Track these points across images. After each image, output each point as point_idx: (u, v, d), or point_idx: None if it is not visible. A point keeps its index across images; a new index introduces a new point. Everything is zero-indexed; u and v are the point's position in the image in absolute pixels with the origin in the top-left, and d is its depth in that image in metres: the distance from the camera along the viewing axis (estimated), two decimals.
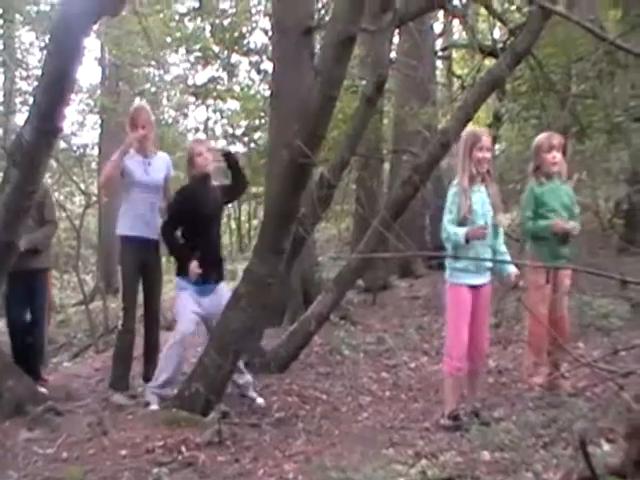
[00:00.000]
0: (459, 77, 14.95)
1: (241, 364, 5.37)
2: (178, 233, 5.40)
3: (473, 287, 4.67)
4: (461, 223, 4.63)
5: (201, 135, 22.87)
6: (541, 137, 5.29)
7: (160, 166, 5.79)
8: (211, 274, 5.32)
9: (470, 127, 5.16)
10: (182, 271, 5.31)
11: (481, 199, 4.71)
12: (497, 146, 13.06)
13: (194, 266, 5.17)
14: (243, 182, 5.68)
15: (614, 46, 1.98)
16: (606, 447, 3.41)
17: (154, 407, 5.10)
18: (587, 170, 9.48)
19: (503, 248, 4.87)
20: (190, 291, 5.29)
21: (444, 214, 4.74)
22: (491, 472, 3.48)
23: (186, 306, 5.28)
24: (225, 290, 5.42)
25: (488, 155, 4.70)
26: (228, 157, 5.48)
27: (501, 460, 3.66)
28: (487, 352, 5.09)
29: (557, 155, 5.15)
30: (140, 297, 5.87)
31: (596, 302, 6.84)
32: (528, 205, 5.17)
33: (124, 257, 5.68)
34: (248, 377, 5.43)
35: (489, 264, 4.73)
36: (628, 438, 2.64)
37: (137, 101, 5.79)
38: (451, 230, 4.62)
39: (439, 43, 16.03)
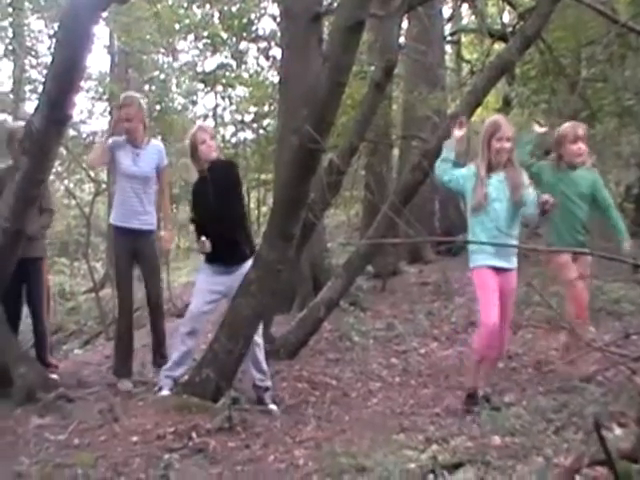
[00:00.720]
0: (468, 62, 14.91)
1: (264, 364, 5.34)
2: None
3: (497, 270, 4.59)
4: (475, 209, 4.61)
5: (210, 122, 22.87)
6: (566, 127, 5.23)
7: (151, 157, 5.75)
8: (225, 257, 5.27)
9: (493, 116, 5.07)
10: (205, 259, 5.38)
11: (497, 185, 4.64)
12: None
13: (203, 241, 5.17)
14: None
15: (626, 28, 1.95)
16: (618, 431, 3.41)
17: (165, 392, 5.11)
18: (597, 154, 9.41)
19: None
20: (208, 271, 5.31)
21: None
22: (502, 457, 3.48)
23: (201, 286, 5.32)
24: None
25: (507, 145, 4.61)
26: None
27: (512, 445, 3.66)
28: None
29: (582, 146, 5.12)
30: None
31: (607, 287, 6.82)
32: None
33: (116, 247, 5.83)
34: (269, 383, 5.34)
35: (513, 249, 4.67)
36: (639, 422, 2.64)
37: (127, 93, 5.67)
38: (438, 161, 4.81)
39: (448, 28, 15.93)
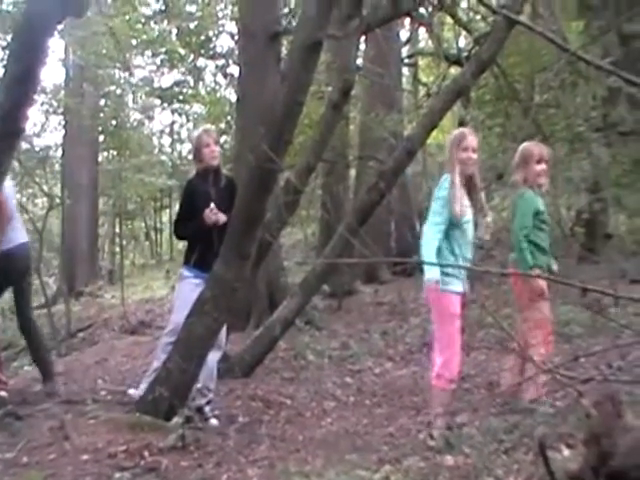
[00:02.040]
0: (425, 84, 15.14)
1: (211, 385, 5.29)
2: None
3: (459, 294, 4.49)
4: (457, 221, 4.44)
5: (167, 138, 22.76)
6: (531, 145, 5.17)
7: None
8: (212, 263, 5.13)
9: (458, 129, 5.05)
10: (189, 259, 5.33)
11: (466, 203, 4.53)
12: None
13: (208, 210, 5.11)
14: None
15: (575, 57, 2.01)
16: (566, 452, 3.45)
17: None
18: (549, 179, 9.60)
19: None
20: (191, 280, 5.25)
21: (430, 217, 4.52)
22: (454, 477, 3.50)
23: (184, 297, 5.23)
24: None
25: (473, 156, 4.53)
26: None
27: (464, 465, 3.68)
28: None
29: (545, 167, 5.06)
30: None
31: (557, 309, 6.93)
32: (529, 213, 4.94)
33: None
34: (211, 396, 5.30)
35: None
36: (587, 444, 2.68)
37: None
38: (433, 258, 4.42)
39: (405, 50, 16.16)
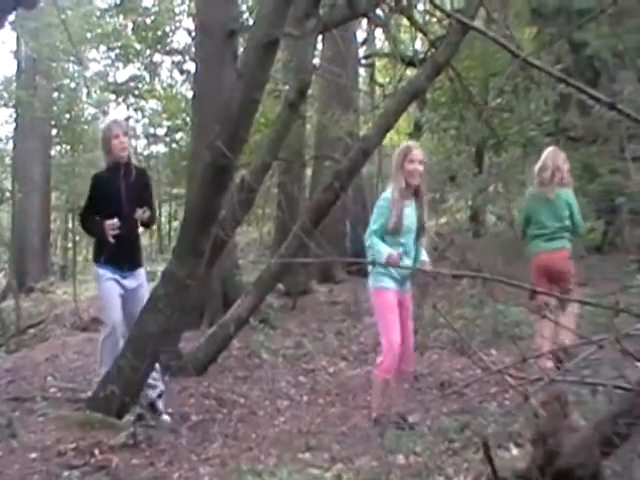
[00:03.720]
0: (381, 85, 15.23)
1: (157, 375, 5.23)
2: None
3: (400, 292, 4.74)
4: (390, 233, 4.68)
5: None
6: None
7: None
8: (124, 261, 5.18)
9: (405, 141, 5.24)
10: (98, 257, 5.19)
11: (411, 212, 4.76)
12: None
13: (109, 224, 5.01)
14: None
15: (526, 63, 2.05)
16: (514, 451, 3.52)
17: None
18: (503, 182, 9.76)
19: (425, 257, 4.91)
20: (108, 275, 5.14)
21: (370, 221, 4.80)
22: (405, 476, 3.54)
23: (110, 293, 5.14)
24: (143, 273, 5.36)
25: (419, 167, 4.73)
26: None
27: (415, 464, 3.72)
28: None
29: None
30: None
31: (508, 311, 7.04)
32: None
33: None
34: (162, 386, 5.28)
35: (409, 273, 4.80)
36: (534, 443, 2.73)
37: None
38: (375, 243, 4.68)
39: (362, 51, 16.24)
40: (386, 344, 4.66)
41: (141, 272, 5.34)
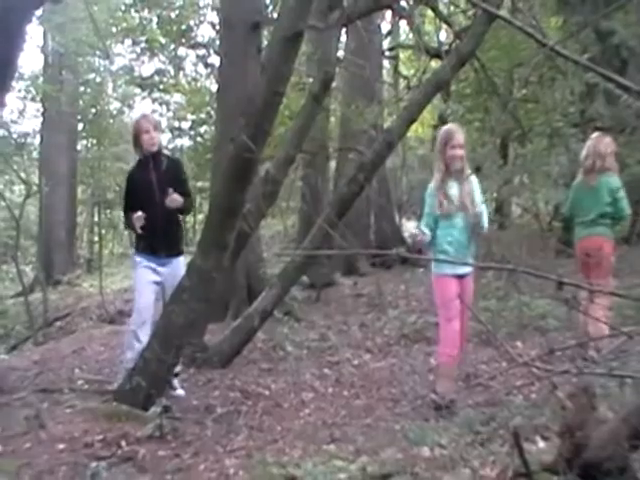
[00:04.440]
0: (405, 77, 15.15)
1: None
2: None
3: (457, 276, 4.76)
4: (443, 217, 4.74)
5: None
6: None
7: None
8: (161, 249, 5.35)
9: (446, 125, 5.26)
10: (137, 245, 5.45)
11: (456, 195, 4.79)
12: None
13: (136, 217, 5.17)
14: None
15: (553, 52, 2.03)
16: (541, 444, 3.50)
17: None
18: (528, 173, 9.68)
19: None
20: (144, 263, 5.33)
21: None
22: (430, 468, 3.52)
23: (142, 279, 5.33)
24: (182, 263, 5.43)
25: (460, 152, 4.77)
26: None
27: (440, 457, 3.71)
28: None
29: None
30: None
31: (534, 303, 7.00)
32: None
33: None
34: (179, 368, 5.43)
35: (468, 256, 4.83)
36: (561, 435, 2.71)
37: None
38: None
39: (386, 43, 16.16)
40: (444, 331, 4.77)
41: (179, 260, 5.47)
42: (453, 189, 4.79)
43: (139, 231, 5.23)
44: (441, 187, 4.76)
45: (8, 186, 19.38)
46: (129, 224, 5.40)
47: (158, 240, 5.31)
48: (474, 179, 4.94)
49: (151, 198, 5.27)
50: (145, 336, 5.15)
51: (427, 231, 4.71)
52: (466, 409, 4.65)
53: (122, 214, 5.61)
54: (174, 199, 5.23)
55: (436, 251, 4.85)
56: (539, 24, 8.00)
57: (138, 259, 5.38)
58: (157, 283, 5.36)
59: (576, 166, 6.31)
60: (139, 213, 5.17)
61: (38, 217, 16.23)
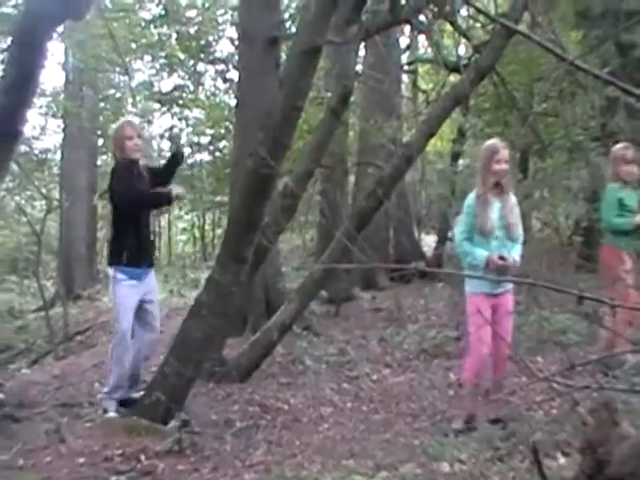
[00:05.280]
0: (424, 91, 15.15)
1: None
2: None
3: (491, 295, 4.66)
4: (480, 234, 4.65)
5: (166, 143, 22.74)
6: (619, 148, 5.78)
7: None
8: (144, 258, 5.22)
9: (490, 140, 5.19)
10: (119, 258, 5.12)
11: (497, 211, 4.71)
12: (461, 161, 13.25)
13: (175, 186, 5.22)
14: (177, 162, 5.61)
15: (573, 66, 2.02)
16: (562, 460, 3.47)
17: (111, 414, 5.01)
18: (548, 187, 9.63)
19: (516, 257, 4.74)
20: (126, 280, 5.10)
21: (458, 226, 4.80)
22: None
23: (126, 301, 5.10)
24: (154, 275, 5.38)
25: (506, 167, 4.72)
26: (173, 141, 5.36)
27: (459, 472, 3.68)
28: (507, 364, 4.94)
29: (634, 168, 5.68)
30: None
31: (554, 317, 6.94)
32: (613, 204, 5.69)
33: None
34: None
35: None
36: (582, 452, 2.68)
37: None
38: (468, 248, 4.66)
39: (405, 57, 16.18)
40: (473, 353, 4.68)
41: (152, 272, 5.38)
42: (495, 205, 4.71)
43: (177, 192, 5.16)
44: (483, 202, 4.68)
45: (29, 201, 19.59)
46: (120, 244, 5.15)
47: (141, 250, 5.17)
48: (513, 197, 4.86)
49: (142, 197, 5.21)
50: (127, 362, 5.11)
51: (506, 254, 4.61)
52: (485, 424, 4.61)
53: (118, 220, 5.23)
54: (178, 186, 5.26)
55: (468, 268, 4.75)
56: (558, 38, 7.98)
57: (120, 275, 5.10)
58: (138, 302, 5.17)
59: (598, 180, 6.30)
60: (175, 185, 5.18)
61: (59, 232, 16.41)
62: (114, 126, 5.45)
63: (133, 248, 5.12)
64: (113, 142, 5.33)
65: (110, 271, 5.20)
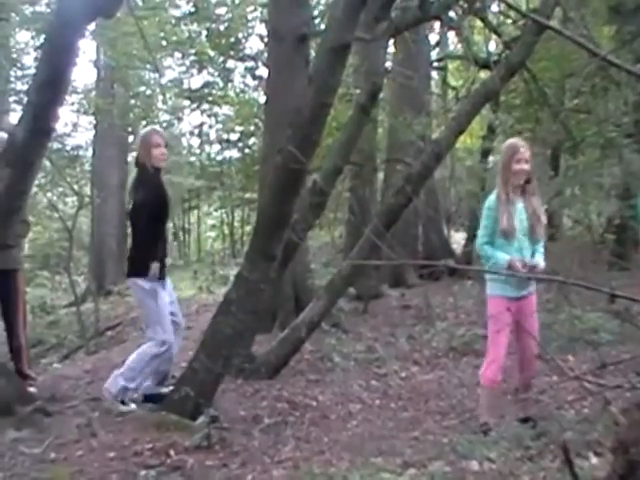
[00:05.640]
0: (454, 88, 15.07)
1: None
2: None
3: (513, 299, 4.53)
4: (502, 236, 4.52)
5: (195, 139, 22.90)
6: None
7: None
8: (164, 272, 5.22)
9: (510, 139, 5.07)
10: (143, 271, 5.07)
11: (521, 213, 4.58)
12: (491, 158, 13.16)
13: (156, 267, 5.03)
14: None
15: (606, 62, 1.99)
16: (594, 460, 3.43)
17: (133, 406, 5.09)
18: (580, 184, 9.53)
19: (540, 261, 4.59)
20: (160, 289, 5.13)
21: (479, 229, 4.67)
22: None
23: (165, 311, 5.13)
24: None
25: (526, 167, 4.57)
26: None
27: (489, 471, 3.66)
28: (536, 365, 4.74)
29: None
30: None
31: (585, 316, 6.87)
32: None
33: None
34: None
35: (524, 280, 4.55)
36: (614, 452, 2.64)
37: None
38: (489, 252, 4.55)
39: (434, 54, 16.10)
40: (490, 355, 4.58)
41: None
42: (517, 206, 4.57)
43: (152, 273, 5.04)
44: (505, 203, 4.53)
45: (61, 198, 19.85)
46: (151, 254, 5.08)
47: (163, 263, 5.19)
48: (538, 199, 4.70)
49: (166, 218, 5.24)
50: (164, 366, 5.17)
51: (529, 259, 4.50)
52: (515, 423, 4.57)
53: (149, 228, 5.14)
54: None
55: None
56: (590, 34, 7.88)
57: (149, 285, 5.08)
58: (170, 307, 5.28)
59: (630, 177, 6.22)
60: (157, 264, 5.03)
61: (90, 228, 16.56)
62: (141, 132, 5.41)
63: (162, 259, 5.15)
64: (141, 148, 5.25)
65: (140, 282, 5.12)
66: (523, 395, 4.75)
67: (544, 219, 4.71)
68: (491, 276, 4.64)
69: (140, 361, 5.14)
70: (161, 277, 5.14)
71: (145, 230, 5.13)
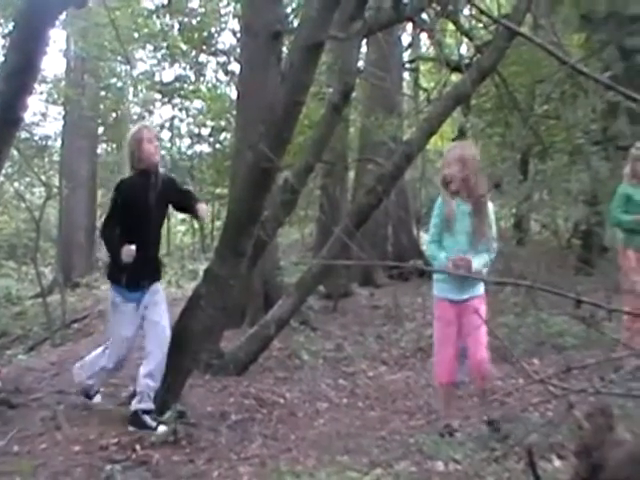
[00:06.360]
0: (425, 90, 15.16)
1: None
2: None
3: (455, 302, 4.50)
4: (446, 230, 4.50)
5: (166, 133, 22.74)
6: (638, 147, 6.05)
7: None
8: (145, 275, 4.82)
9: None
10: (118, 277, 4.79)
11: (464, 215, 4.50)
12: None
13: (127, 250, 4.54)
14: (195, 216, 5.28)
15: (574, 70, 2.02)
16: (557, 463, 3.48)
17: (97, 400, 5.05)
18: (548, 189, 9.66)
19: (476, 262, 4.42)
20: (123, 301, 4.80)
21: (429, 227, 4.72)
22: None
23: (120, 329, 4.85)
24: (161, 290, 4.96)
25: (450, 171, 4.50)
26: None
27: (454, 472, 3.70)
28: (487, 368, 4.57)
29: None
30: None
31: (551, 320, 6.96)
32: (619, 200, 5.96)
33: None
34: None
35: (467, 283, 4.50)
36: (577, 455, 2.69)
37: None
38: (432, 251, 4.57)
39: (407, 55, 16.18)
40: (437, 355, 4.66)
41: (158, 286, 4.93)
42: (462, 209, 4.50)
43: (123, 263, 4.58)
44: (448, 202, 4.51)
45: (29, 188, 19.60)
46: (108, 244, 4.78)
47: (145, 269, 4.78)
48: (490, 205, 4.63)
49: (145, 218, 4.80)
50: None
51: (462, 254, 4.40)
52: (481, 425, 4.62)
53: (103, 225, 4.93)
54: (204, 209, 5.06)
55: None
56: (561, 41, 7.98)
57: (118, 298, 4.80)
58: (140, 315, 4.83)
59: (598, 184, 6.38)
60: (132, 247, 4.56)
61: (58, 219, 16.37)
62: (131, 131, 5.04)
63: (134, 269, 4.66)
64: (129, 146, 4.88)
65: (110, 290, 4.93)
66: (482, 400, 4.77)
67: (491, 224, 4.59)
68: (435, 277, 4.68)
69: (93, 364, 5.02)
70: (134, 285, 4.80)
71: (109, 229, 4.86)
